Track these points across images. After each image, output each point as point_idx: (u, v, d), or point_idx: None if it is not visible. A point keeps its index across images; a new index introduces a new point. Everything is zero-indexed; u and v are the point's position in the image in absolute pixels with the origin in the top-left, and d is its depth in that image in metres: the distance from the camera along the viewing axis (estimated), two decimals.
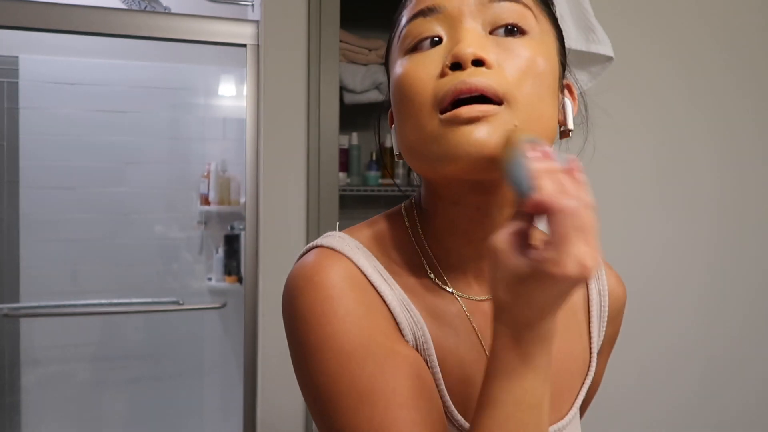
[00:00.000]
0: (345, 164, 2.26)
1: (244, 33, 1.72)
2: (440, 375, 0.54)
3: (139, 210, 2.85)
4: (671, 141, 1.83)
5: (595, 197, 1.66)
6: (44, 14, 1.60)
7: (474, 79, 0.48)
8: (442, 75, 0.50)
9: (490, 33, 0.52)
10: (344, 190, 2.17)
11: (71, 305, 2.66)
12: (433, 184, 0.57)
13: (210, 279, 2.86)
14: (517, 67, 0.50)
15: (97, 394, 2.82)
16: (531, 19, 0.53)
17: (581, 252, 0.41)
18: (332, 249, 0.54)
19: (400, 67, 0.54)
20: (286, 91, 1.61)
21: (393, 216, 0.61)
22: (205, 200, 2.87)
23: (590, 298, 0.67)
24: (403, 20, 0.56)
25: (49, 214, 2.73)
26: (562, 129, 0.57)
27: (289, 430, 1.56)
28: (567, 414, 0.61)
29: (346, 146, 2.28)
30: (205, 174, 2.88)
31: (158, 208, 2.90)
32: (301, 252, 0.58)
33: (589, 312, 0.66)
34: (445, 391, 0.54)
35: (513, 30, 0.52)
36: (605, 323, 0.68)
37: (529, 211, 0.43)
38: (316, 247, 0.56)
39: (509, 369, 0.45)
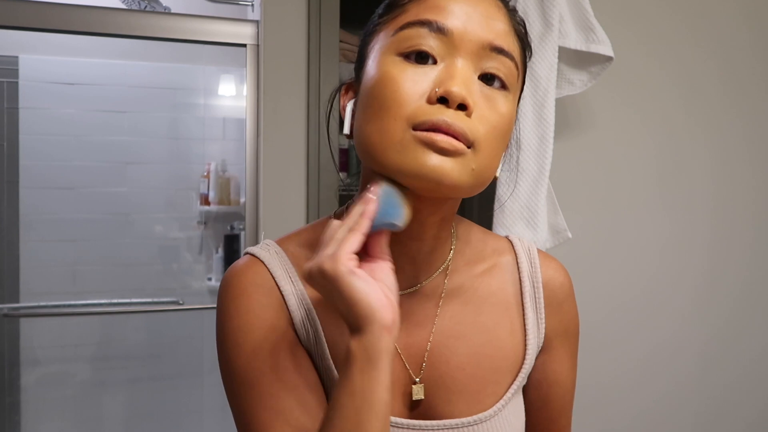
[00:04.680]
0: (345, 164, 2.26)
1: (244, 33, 1.72)
2: (331, 364, 0.62)
3: (139, 210, 2.85)
4: (666, 142, 1.83)
5: (592, 198, 1.67)
6: (44, 14, 1.60)
7: (454, 123, 0.53)
8: (428, 100, 0.54)
9: (480, 77, 0.57)
10: (344, 190, 2.17)
11: (71, 305, 2.66)
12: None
13: (210, 279, 2.86)
14: (490, 122, 0.56)
15: (97, 394, 2.82)
16: (515, 78, 0.58)
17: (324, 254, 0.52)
18: (254, 256, 0.65)
19: (388, 67, 0.56)
20: (286, 91, 1.61)
21: (323, 222, 0.70)
22: (205, 200, 2.87)
23: (523, 289, 0.69)
24: (407, 16, 0.57)
25: (49, 214, 2.73)
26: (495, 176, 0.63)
27: None
28: (492, 407, 0.64)
29: (346, 146, 2.28)
30: (205, 174, 2.88)
31: (158, 208, 2.90)
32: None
33: (523, 304, 0.69)
34: (332, 365, 0.62)
35: (498, 83, 0.57)
36: (543, 315, 0.69)
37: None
38: (246, 254, 0.66)
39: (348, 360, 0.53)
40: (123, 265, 2.83)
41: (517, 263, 0.71)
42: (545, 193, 1.49)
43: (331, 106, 0.71)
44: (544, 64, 1.48)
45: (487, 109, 0.56)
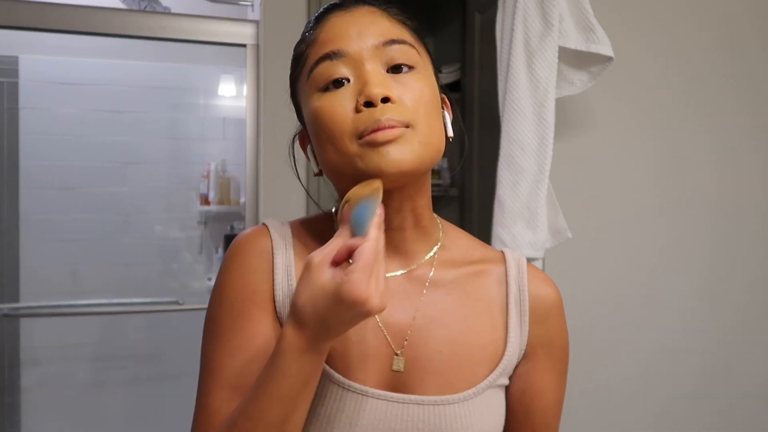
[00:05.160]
0: None
1: (244, 33, 1.72)
2: None
3: (139, 210, 2.85)
4: (666, 142, 1.84)
5: (592, 198, 1.66)
6: (44, 14, 1.60)
7: (385, 116, 0.62)
8: (357, 111, 0.63)
9: (387, 71, 0.65)
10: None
11: (71, 305, 2.66)
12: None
13: (210, 279, 2.86)
14: (413, 98, 0.64)
15: (97, 394, 2.82)
16: (415, 55, 0.67)
17: (376, 284, 0.54)
18: (266, 226, 0.73)
19: (317, 102, 0.65)
20: (286, 91, 1.61)
21: (329, 214, 0.78)
22: (205, 200, 2.87)
23: (509, 293, 0.74)
24: (310, 60, 0.67)
25: (49, 214, 2.73)
26: (447, 136, 0.70)
27: None
28: (462, 392, 0.68)
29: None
30: (205, 174, 2.88)
31: (158, 208, 2.90)
32: None
33: (507, 307, 0.73)
34: None
35: (404, 67, 0.66)
36: (527, 319, 0.73)
37: (352, 241, 0.56)
38: (262, 223, 0.74)
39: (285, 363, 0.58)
40: (123, 265, 2.83)
41: (506, 272, 0.75)
42: (545, 193, 1.49)
43: (294, 156, 0.80)
44: (544, 64, 1.48)
45: (406, 92, 0.64)
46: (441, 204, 2.47)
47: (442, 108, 0.71)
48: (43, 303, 2.63)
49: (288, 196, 1.60)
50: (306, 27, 0.72)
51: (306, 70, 0.68)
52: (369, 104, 0.62)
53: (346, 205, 0.60)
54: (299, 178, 0.82)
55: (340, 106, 0.64)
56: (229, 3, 2.00)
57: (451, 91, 2.34)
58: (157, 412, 2.85)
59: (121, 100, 2.81)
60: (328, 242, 0.58)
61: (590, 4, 1.51)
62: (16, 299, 2.68)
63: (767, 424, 1.94)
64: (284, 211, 1.60)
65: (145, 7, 2.27)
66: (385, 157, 0.61)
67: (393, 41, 0.66)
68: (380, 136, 0.61)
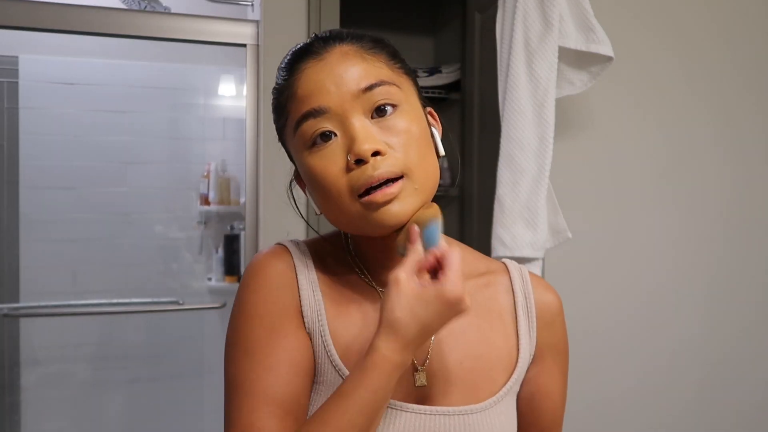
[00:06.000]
0: None
1: (244, 33, 1.72)
2: (330, 341, 0.69)
3: (139, 210, 2.85)
4: (666, 142, 1.84)
5: (592, 198, 1.66)
6: (44, 14, 1.60)
7: (378, 172, 0.63)
8: (349, 169, 0.64)
9: (372, 116, 0.66)
10: None
11: (71, 305, 2.66)
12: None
13: (210, 279, 2.86)
14: (402, 143, 0.65)
15: (97, 394, 2.82)
16: (397, 92, 0.67)
17: (462, 287, 0.60)
18: (283, 245, 0.74)
19: (309, 161, 0.67)
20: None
21: (338, 234, 0.80)
22: (205, 200, 2.87)
23: (516, 302, 0.77)
24: (293, 116, 0.67)
25: (49, 214, 2.73)
26: (437, 155, 0.72)
27: None
28: (485, 401, 0.71)
29: None
30: (205, 174, 2.88)
31: (158, 208, 2.90)
32: None
33: (516, 315, 0.77)
34: (334, 350, 0.69)
35: (388, 107, 0.66)
36: (534, 325, 0.77)
37: (434, 257, 0.62)
38: (278, 243, 0.75)
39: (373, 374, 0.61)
40: (123, 265, 2.82)
41: (511, 281, 0.79)
42: (545, 193, 1.49)
43: (293, 197, 0.82)
44: (544, 64, 1.48)
45: (393, 137, 0.65)
46: (441, 204, 2.47)
47: (430, 127, 0.72)
48: (43, 303, 2.63)
49: (288, 196, 1.60)
50: (279, 73, 0.71)
51: (291, 123, 0.68)
52: (360, 161, 0.63)
53: (413, 227, 0.65)
54: (301, 215, 0.83)
55: (332, 165, 0.65)
56: (229, 3, 2.00)
57: (451, 91, 2.35)
58: (157, 412, 2.85)
59: (121, 100, 2.81)
60: (405, 260, 0.62)
61: (590, 4, 1.51)
62: (16, 299, 2.68)
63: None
64: (284, 211, 1.59)
65: (145, 7, 2.27)
66: (387, 213, 0.64)
67: (372, 86, 0.66)
68: (380, 197, 0.63)
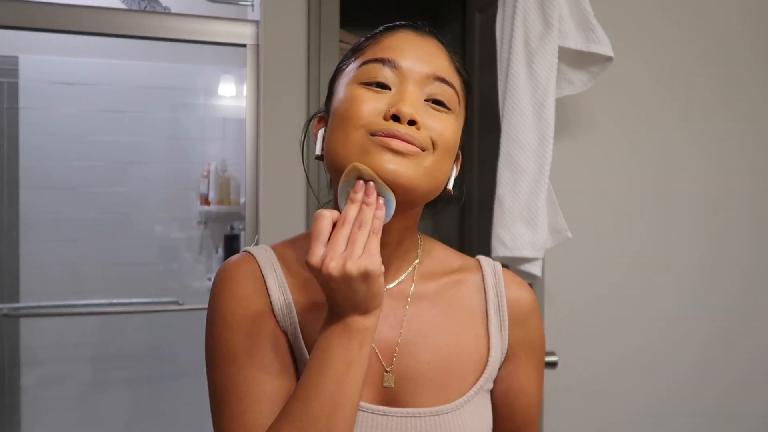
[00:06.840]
0: None
1: (244, 33, 1.72)
2: (302, 342, 0.70)
3: (139, 210, 2.85)
4: (666, 142, 1.83)
5: (592, 198, 1.66)
6: (44, 14, 1.60)
7: (406, 131, 0.65)
8: (384, 117, 0.66)
9: (426, 100, 0.68)
10: None
11: (71, 305, 2.66)
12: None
13: (210, 279, 2.86)
14: (436, 133, 0.67)
15: (96, 394, 2.82)
16: (456, 102, 0.71)
17: (333, 249, 0.59)
18: (249, 253, 0.75)
19: (355, 91, 0.68)
20: (286, 91, 1.61)
21: (305, 236, 0.79)
22: (205, 200, 2.87)
23: (488, 299, 0.77)
24: (366, 55, 0.70)
25: (49, 214, 2.73)
26: (446, 186, 0.74)
27: None
28: (454, 401, 0.71)
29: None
30: (205, 174, 2.88)
31: (158, 208, 2.90)
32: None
33: (487, 313, 0.77)
34: (303, 345, 0.70)
35: (442, 104, 0.69)
36: (506, 324, 0.77)
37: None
38: (244, 251, 0.76)
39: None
40: (123, 265, 2.83)
41: (483, 278, 0.79)
42: (545, 193, 1.49)
43: (306, 132, 0.82)
44: (544, 64, 1.48)
45: (433, 123, 0.67)
46: (441, 204, 2.47)
47: (454, 163, 0.74)
48: (43, 303, 2.63)
49: (288, 196, 1.60)
50: (375, 30, 0.75)
51: (359, 60, 0.71)
52: (396, 118, 0.65)
53: (372, 183, 0.63)
54: (303, 162, 0.85)
55: (372, 103, 0.66)
56: (229, 3, 2.00)
57: None
58: (157, 412, 2.85)
59: (121, 100, 2.81)
60: (314, 242, 0.62)
61: (590, 4, 1.51)
62: (16, 299, 2.68)
63: (755, 416, 1.94)
64: (284, 211, 1.60)
65: (145, 7, 2.27)
66: (387, 164, 0.64)
67: (444, 80, 0.69)
68: (396, 144, 0.64)
